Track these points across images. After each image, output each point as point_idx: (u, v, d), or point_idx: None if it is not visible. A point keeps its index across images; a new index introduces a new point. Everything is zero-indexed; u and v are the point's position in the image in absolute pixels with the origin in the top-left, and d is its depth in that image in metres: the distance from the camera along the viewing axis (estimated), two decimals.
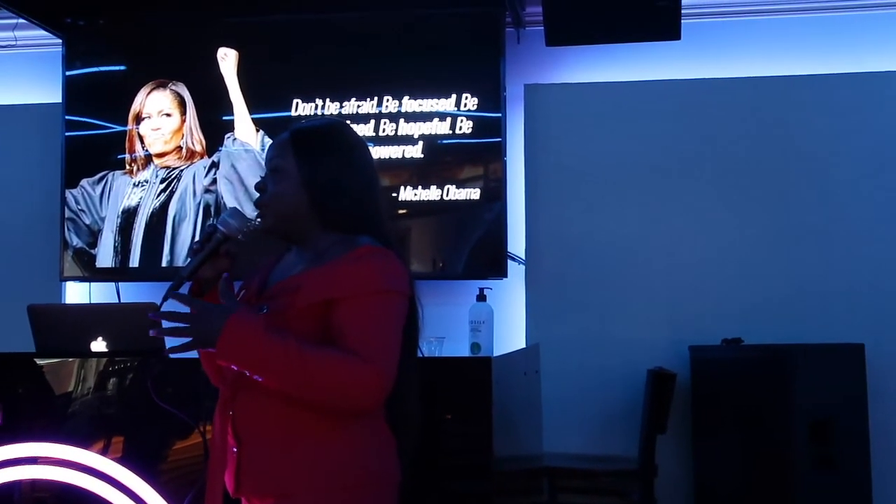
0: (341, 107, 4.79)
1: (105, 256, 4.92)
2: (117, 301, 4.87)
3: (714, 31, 4.75)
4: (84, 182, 4.97)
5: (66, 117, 4.99)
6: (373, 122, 4.75)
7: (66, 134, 4.99)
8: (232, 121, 4.87)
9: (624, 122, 4.74)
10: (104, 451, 2.93)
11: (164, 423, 2.96)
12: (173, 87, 4.95)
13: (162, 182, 4.92)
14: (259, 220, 2.02)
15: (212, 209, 4.85)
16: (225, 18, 4.91)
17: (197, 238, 4.69)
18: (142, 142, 4.96)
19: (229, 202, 4.81)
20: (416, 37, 4.78)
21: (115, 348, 3.35)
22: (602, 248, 4.68)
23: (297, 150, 1.99)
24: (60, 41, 5.02)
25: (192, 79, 4.94)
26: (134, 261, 4.90)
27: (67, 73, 5.01)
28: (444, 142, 4.71)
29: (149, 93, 4.96)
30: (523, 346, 4.62)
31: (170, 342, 1.88)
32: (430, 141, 4.71)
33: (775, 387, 4.01)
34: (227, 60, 4.87)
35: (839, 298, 4.50)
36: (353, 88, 4.78)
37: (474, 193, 4.66)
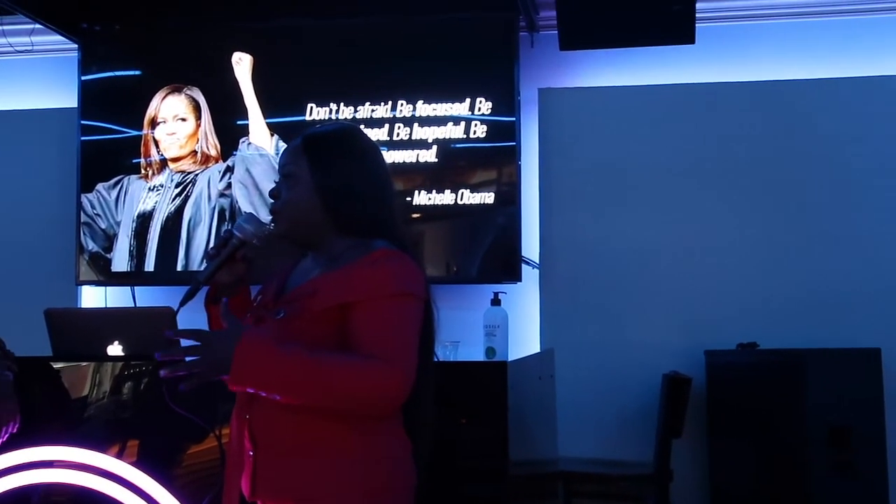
0: (355, 111, 4.80)
1: (120, 260, 4.94)
2: (133, 305, 4.89)
3: (728, 35, 4.74)
4: (100, 186, 5.00)
5: (82, 122, 5.01)
6: (387, 126, 4.75)
7: (82, 138, 5.01)
8: (247, 125, 4.89)
9: (638, 126, 4.73)
10: (119, 455, 2.94)
11: (180, 427, 2.97)
12: (188, 92, 4.97)
13: (177, 186, 4.94)
14: (272, 224, 2.03)
15: (226, 213, 4.86)
16: (240, 23, 4.93)
17: (212, 243, 4.73)
18: (157, 146, 4.98)
19: (244, 206, 4.82)
20: (431, 41, 4.79)
21: (132, 352, 3.36)
22: (617, 252, 4.67)
23: (310, 155, 1.99)
24: (76, 46, 5.05)
25: (207, 83, 4.95)
26: (149, 265, 4.91)
27: (83, 78, 5.04)
28: (459, 146, 4.71)
29: (164, 97, 4.98)
30: (538, 350, 4.62)
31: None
32: (444, 145, 4.72)
33: (791, 391, 3.99)
34: (242, 65, 4.89)
35: (855, 302, 4.48)
36: (367, 93, 4.78)
37: (488, 197, 4.66)
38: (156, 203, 4.94)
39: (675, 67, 4.72)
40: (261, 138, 4.87)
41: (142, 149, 4.98)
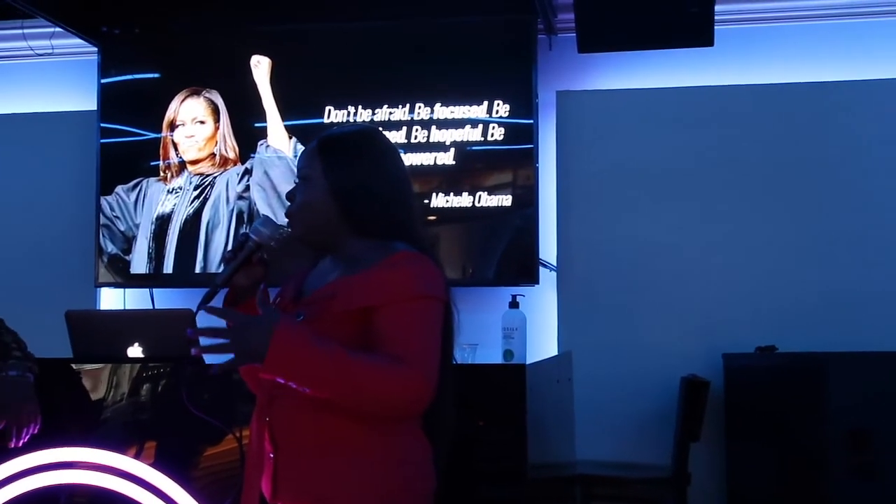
0: (373, 114, 4.81)
1: (139, 263, 4.96)
2: (151, 307, 4.91)
3: (747, 37, 4.72)
4: (119, 189, 5.02)
5: (102, 125, 5.04)
6: (405, 128, 4.76)
7: (101, 141, 5.04)
8: (265, 128, 4.90)
9: (656, 129, 4.72)
10: (137, 456, 2.95)
11: (198, 429, 2.98)
12: (207, 95, 4.98)
13: (195, 189, 4.96)
14: (289, 227, 2.02)
15: (244, 216, 4.88)
16: (258, 26, 4.95)
17: (230, 245, 4.74)
18: (175, 149, 5.00)
19: (262, 209, 4.83)
20: (448, 44, 4.79)
21: (151, 354, 3.37)
22: (634, 255, 4.66)
23: (325, 157, 1.99)
24: (96, 49, 5.07)
25: (226, 86, 4.97)
26: (168, 267, 4.93)
27: (103, 81, 5.06)
28: (476, 148, 4.71)
29: (183, 100, 5.00)
30: (555, 353, 4.61)
31: (209, 358, 1.86)
32: (461, 148, 4.72)
33: (810, 395, 3.97)
34: (260, 68, 4.90)
35: (875, 305, 4.46)
36: (385, 95, 4.79)
37: (506, 200, 4.66)
38: (174, 205, 4.96)
39: (694, 70, 4.71)
40: (279, 141, 4.88)
41: (160, 151, 5.01)
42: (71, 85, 5.25)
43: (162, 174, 5.00)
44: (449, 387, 1.98)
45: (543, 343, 4.62)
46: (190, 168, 4.98)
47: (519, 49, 4.68)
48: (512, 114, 4.67)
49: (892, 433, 3.90)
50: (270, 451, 1.93)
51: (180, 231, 4.94)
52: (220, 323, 1.82)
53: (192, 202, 4.95)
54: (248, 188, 4.90)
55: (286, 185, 4.71)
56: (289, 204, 2.03)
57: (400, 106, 4.78)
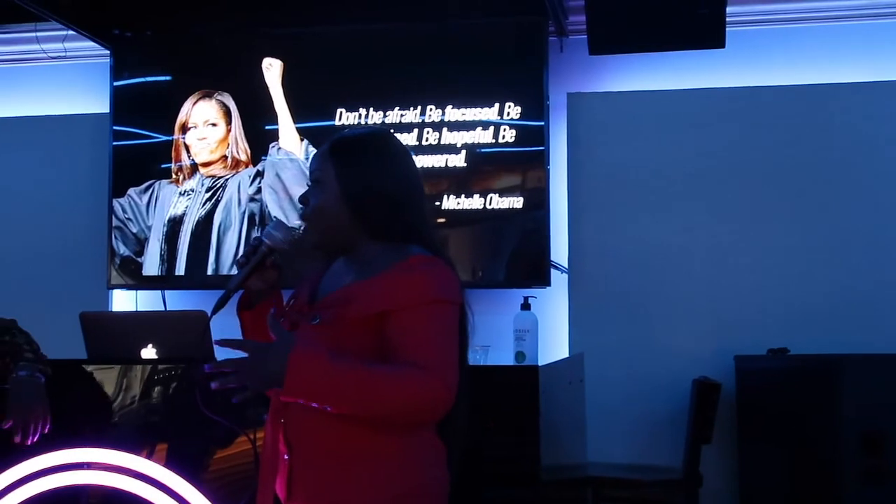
0: (385, 116, 4.81)
1: (151, 265, 4.98)
2: (163, 309, 4.93)
3: (758, 38, 4.71)
4: (131, 191, 5.03)
5: (114, 127, 5.05)
6: (416, 131, 4.76)
7: (114, 143, 5.05)
8: (276, 130, 4.91)
9: (667, 131, 4.72)
10: (150, 457, 2.95)
11: (211, 431, 2.99)
12: (219, 97, 5.00)
13: (207, 191, 4.97)
14: (303, 231, 2.03)
15: (256, 218, 4.89)
16: (270, 29, 4.96)
17: (242, 247, 4.77)
18: (188, 151, 5.01)
19: (273, 211, 4.84)
20: (459, 46, 4.79)
21: (164, 355, 3.38)
22: (646, 257, 4.66)
23: (336, 160, 1.99)
24: (108, 52, 5.09)
25: (238, 89, 4.98)
26: (180, 269, 4.95)
27: (115, 84, 5.08)
28: (487, 150, 4.71)
29: (195, 103, 5.01)
30: (567, 354, 4.61)
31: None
32: (472, 150, 4.72)
33: (823, 398, 3.97)
34: (272, 70, 4.91)
35: (887, 306, 4.45)
36: (396, 98, 4.80)
37: (517, 202, 4.66)
38: (186, 207, 4.97)
39: (705, 71, 4.70)
40: (291, 143, 4.89)
41: (173, 154, 5.02)
42: (83, 88, 5.26)
43: (174, 176, 5.02)
44: (464, 389, 1.98)
45: (555, 345, 4.62)
46: (202, 170, 4.99)
47: (530, 51, 4.68)
48: (523, 116, 4.67)
49: None
50: (285, 452, 1.93)
51: (192, 233, 4.95)
52: (237, 353, 1.82)
53: (204, 204, 4.96)
54: (259, 190, 4.91)
55: (298, 187, 4.72)
56: (301, 207, 2.03)
57: (411, 108, 4.78)
